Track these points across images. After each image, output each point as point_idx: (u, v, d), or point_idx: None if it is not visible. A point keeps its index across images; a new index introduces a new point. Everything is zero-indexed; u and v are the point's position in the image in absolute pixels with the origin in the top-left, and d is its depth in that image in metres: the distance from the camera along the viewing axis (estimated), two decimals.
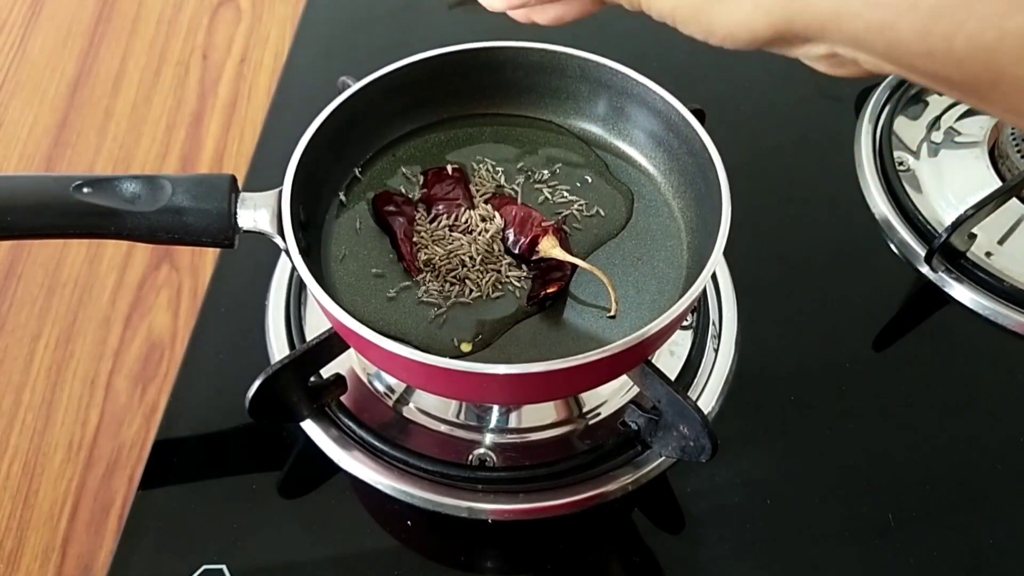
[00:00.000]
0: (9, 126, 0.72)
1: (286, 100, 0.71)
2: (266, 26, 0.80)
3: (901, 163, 0.66)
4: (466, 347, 0.47)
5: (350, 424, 0.53)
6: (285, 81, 0.73)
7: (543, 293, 0.48)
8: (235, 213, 0.46)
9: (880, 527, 0.51)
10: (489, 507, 0.50)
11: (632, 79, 0.52)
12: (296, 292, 0.58)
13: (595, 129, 0.56)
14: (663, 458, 0.52)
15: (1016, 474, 0.53)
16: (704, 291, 0.58)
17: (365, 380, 0.56)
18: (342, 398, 0.54)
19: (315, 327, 0.57)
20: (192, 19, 0.80)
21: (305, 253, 0.46)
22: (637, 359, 0.47)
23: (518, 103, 0.57)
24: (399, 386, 0.55)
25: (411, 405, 0.55)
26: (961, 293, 0.60)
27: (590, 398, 0.55)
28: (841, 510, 0.52)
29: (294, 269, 0.59)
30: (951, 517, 0.52)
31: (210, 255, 0.63)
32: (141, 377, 0.59)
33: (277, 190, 0.47)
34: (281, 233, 0.46)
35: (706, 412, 0.47)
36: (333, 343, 0.49)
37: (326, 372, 0.53)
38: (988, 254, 0.61)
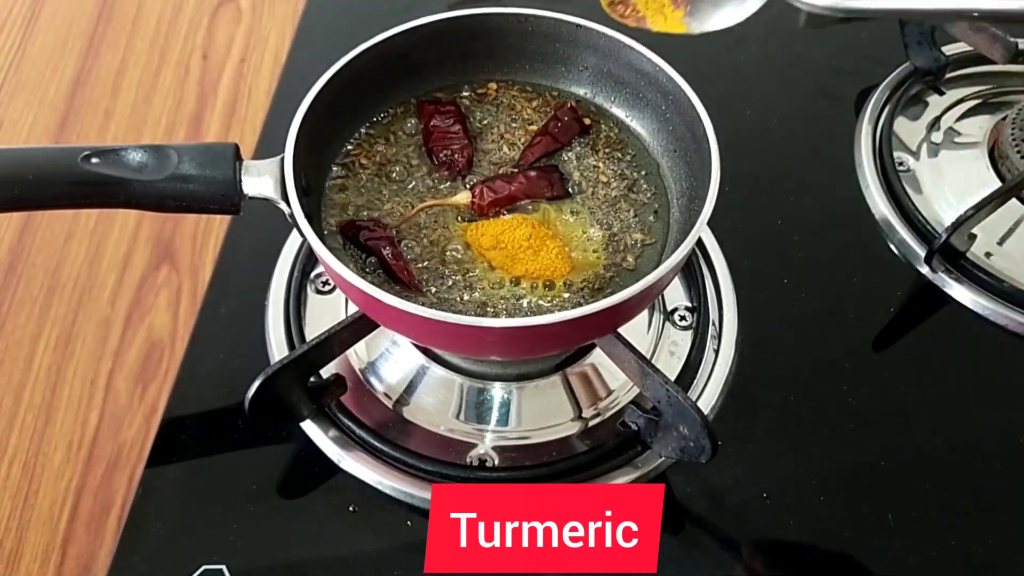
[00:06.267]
0: (9, 126, 0.72)
1: (286, 100, 0.71)
2: (266, 26, 0.80)
3: (901, 163, 0.66)
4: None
5: (350, 424, 0.53)
6: (285, 81, 0.73)
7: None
8: (240, 180, 0.47)
9: (880, 527, 0.51)
10: None
11: (620, 42, 0.52)
12: (296, 292, 0.58)
13: (582, 92, 0.56)
14: (663, 458, 0.52)
15: (1016, 474, 0.53)
16: (704, 291, 0.58)
17: (365, 381, 0.56)
18: (342, 398, 0.54)
19: (315, 327, 0.57)
20: (192, 19, 0.80)
21: (308, 217, 0.46)
22: (629, 313, 0.47)
23: (512, 70, 0.57)
24: (399, 387, 0.55)
25: (411, 405, 0.55)
26: (961, 293, 0.60)
27: (590, 398, 0.55)
28: (841, 510, 0.52)
29: (294, 268, 0.59)
30: (951, 517, 0.52)
31: (210, 256, 0.63)
32: (141, 377, 0.59)
33: (279, 157, 0.48)
34: (285, 198, 0.46)
35: (706, 412, 0.47)
36: (333, 343, 0.49)
37: (326, 372, 0.53)
38: (988, 254, 0.61)
